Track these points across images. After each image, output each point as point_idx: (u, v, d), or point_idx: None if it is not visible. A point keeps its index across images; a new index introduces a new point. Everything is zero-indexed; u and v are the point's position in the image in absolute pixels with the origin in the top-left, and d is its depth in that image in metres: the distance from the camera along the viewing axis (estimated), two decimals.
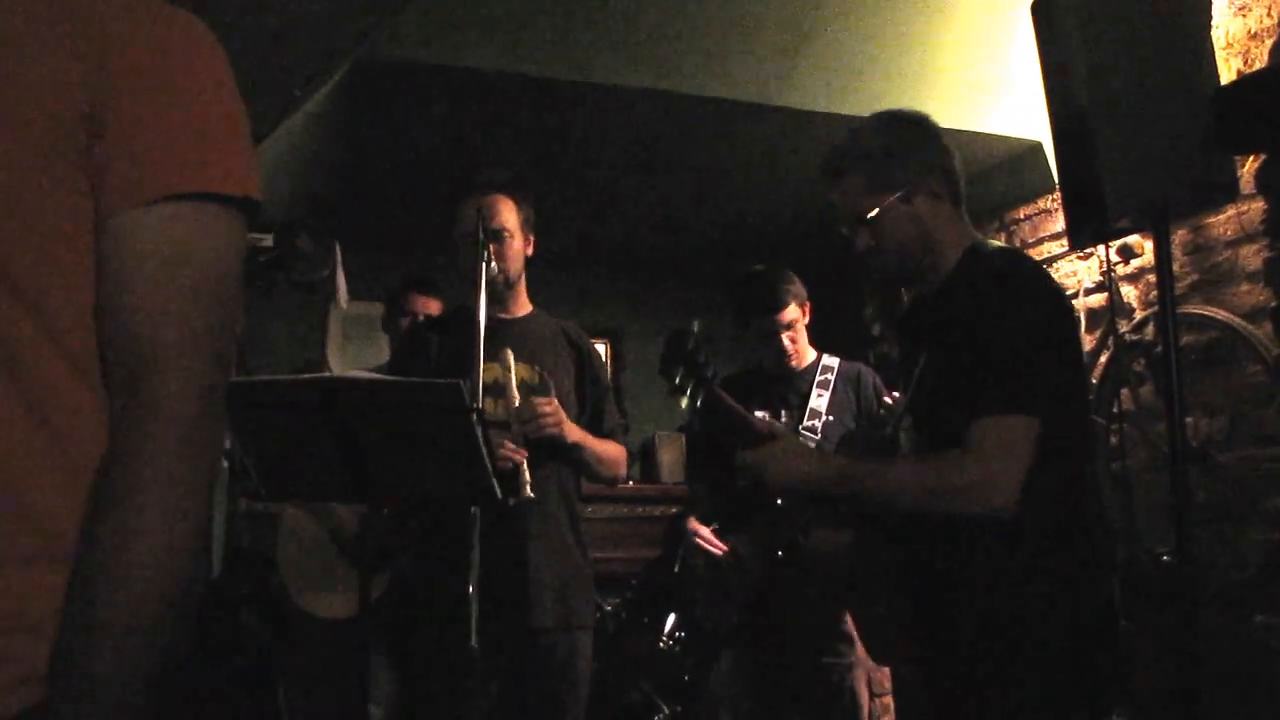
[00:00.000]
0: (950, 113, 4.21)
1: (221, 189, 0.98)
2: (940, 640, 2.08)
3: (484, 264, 2.73)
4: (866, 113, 4.12)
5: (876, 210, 2.13)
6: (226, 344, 0.99)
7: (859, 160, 2.17)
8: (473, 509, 2.51)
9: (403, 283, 4.03)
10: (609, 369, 6.50)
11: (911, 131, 2.20)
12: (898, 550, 2.18)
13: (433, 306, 3.85)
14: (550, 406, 2.86)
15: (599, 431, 3.05)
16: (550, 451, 2.89)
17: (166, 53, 1.00)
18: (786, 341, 3.48)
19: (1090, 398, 2.21)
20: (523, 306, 3.10)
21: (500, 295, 2.92)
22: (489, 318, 2.70)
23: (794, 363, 3.51)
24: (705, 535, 3.40)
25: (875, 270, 2.23)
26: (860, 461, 2.26)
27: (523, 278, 3.08)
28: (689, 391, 2.41)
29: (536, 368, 2.97)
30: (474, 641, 2.44)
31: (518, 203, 2.98)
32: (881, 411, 2.82)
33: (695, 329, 3.34)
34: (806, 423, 3.44)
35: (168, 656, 0.94)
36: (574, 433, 2.93)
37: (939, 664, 2.10)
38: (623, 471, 3.16)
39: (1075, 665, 1.95)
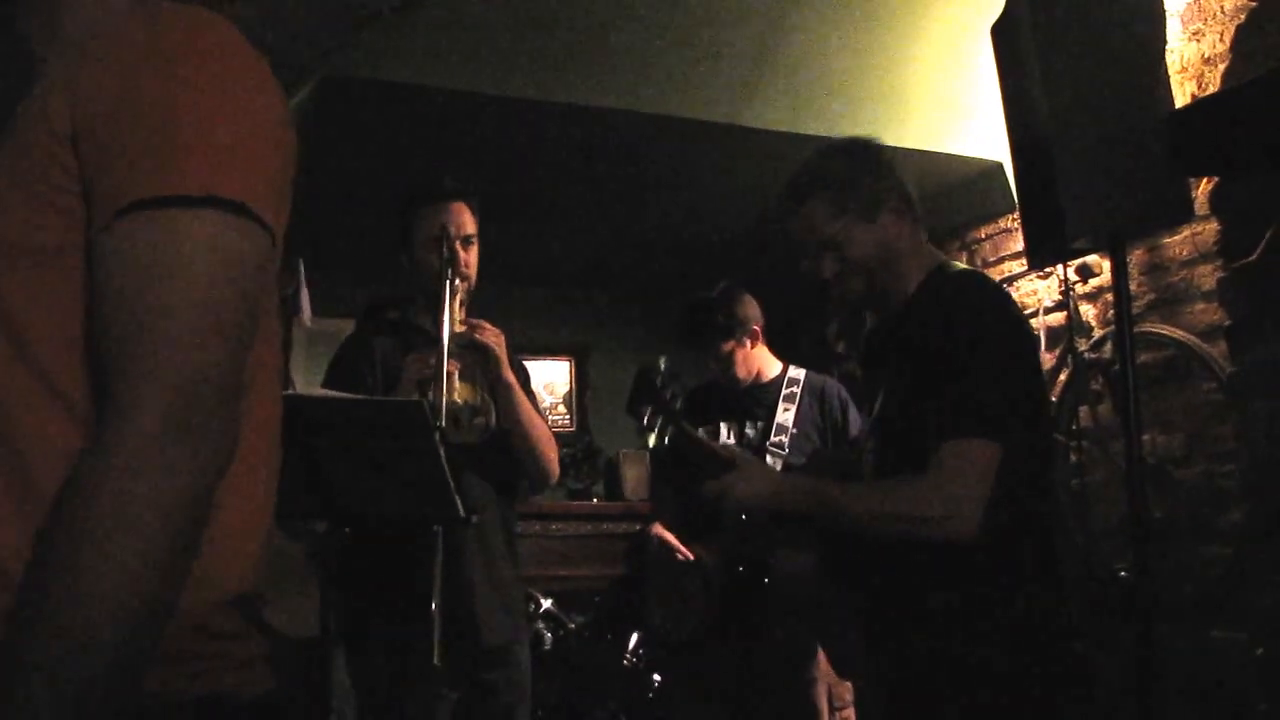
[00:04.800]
0: (913, 133, 4.25)
1: (177, 190, 0.93)
2: (899, 662, 2.08)
3: (451, 272, 2.71)
4: (831, 133, 4.18)
5: (841, 231, 2.11)
6: (213, 357, 0.92)
7: (819, 186, 2.14)
8: (435, 528, 2.50)
9: (371, 303, 4.02)
10: (573, 387, 6.53)
11: (867, 156, 2.20)
12: (858, 573, 2.18)
13: None
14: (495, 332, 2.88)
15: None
16: (490, 458, 2.87)
17: (134, 56, 0.98)
18: (719, 372, 3.54)
19: (1052, 418, 2.24)
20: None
21: (462, 304, 2.90)
22: (435, 330, 2.67)
23: (741, 385, 3.55)
24: (671, 540, 3.41)
25: (844, 295, 2.19)
26: (824, 481, 2.24)
27: None
28: (656, 428, 2.42)
29: (479, 386, 2.95)
30: (437, 660, 2.43)
31: (474, 211, 2.97)
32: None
33: (662, 366, 3.39)
34: (774, 438, 3.46)
35: (101, 697, 0.85)
36: (508, 369, 2.88)
37: (898, 684, 2.10)
38: (554, 462, 3.01)
39: (1034, 694, 1.95)
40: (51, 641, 0.84)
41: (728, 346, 3.51)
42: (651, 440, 2.58)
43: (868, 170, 2.15)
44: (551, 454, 2.98)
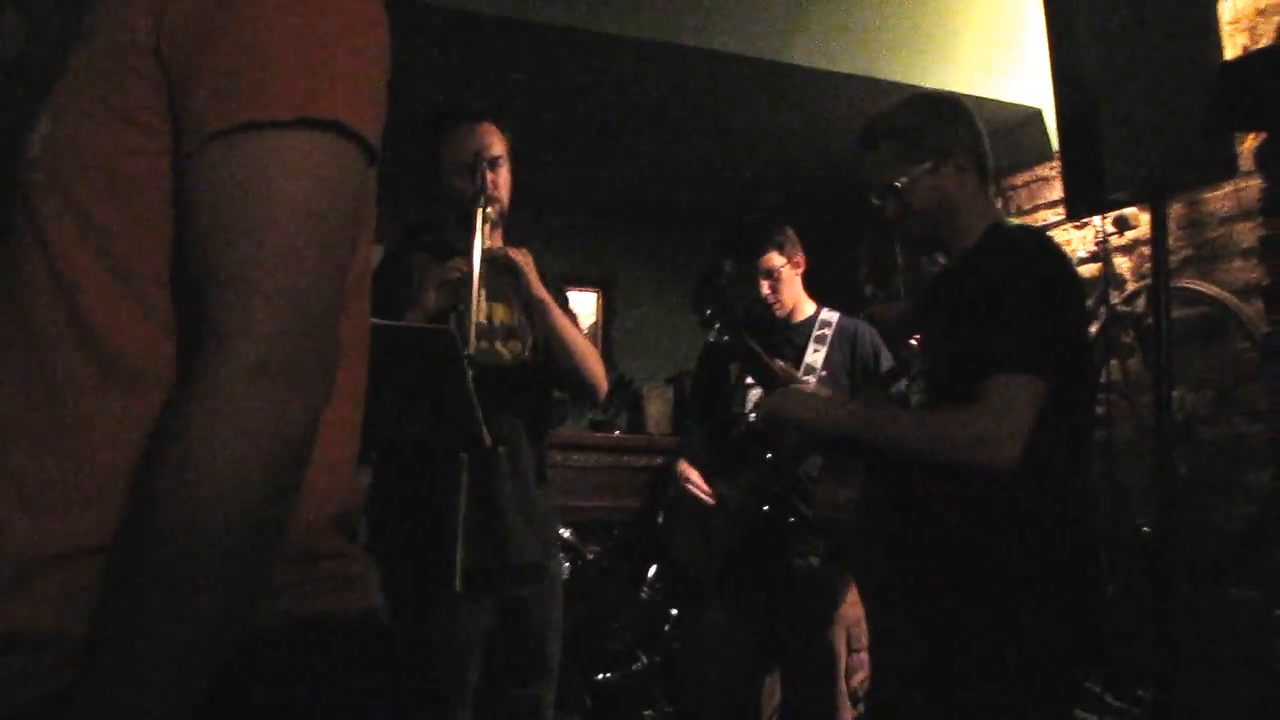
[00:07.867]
0: (956, 77, 4.19)
1: (266, 115, 0.89)
2: (933, 589, 2.16)
3: (483, 194, 2.69)
4: (872, 74, 4.11)
5: (905, 179, 2.25)
6: (313, 281, 0.89)
7: (892, 133, 2.30)
8: (461, 455, 2.51)
9: (409, 226, 4.01)
10: (600, 319, 6.53)
11: (942, 109, 2.33)
12: (898, 504, 2.26)
13: None
14: (523, 252, 2.87)
15: None
16: (524, 384, 2.88)
17: None
18: (765, 288, 3.50)
19: (1091, 365, 2.31)
20: (498, 241, 3.03)
21: (495, 227, 2.88)
22: (468, 251, 2.66)
23: (777, 311, 3.53)
24: (695, 480, 3.42)
25: (903, 237, 2.37)
26: (873, 406, 2.39)
27: None
28: (717, 326, 2.65)
29: (514, 308, 2.94)
30: (458, 586, 2.46)
31: (503, 131, 2.94)
32: (894, 364, 2.86)
33: (727, 268, 3.43)
34: (801, 377, 3.45)
35: (210, 640, 0.85)
36: (539, 285, 2.87)
37: (931, 611, 2.18)
38: (602, 375, 3.00)
39: (1060, 618, 2.04)
40: (160, 590, 0.83)
41: (779, 260, 3.51)
42: (711, 337, 2.69)
43: (937, 124, 2.28)
44: (597, 367, 2.97)
